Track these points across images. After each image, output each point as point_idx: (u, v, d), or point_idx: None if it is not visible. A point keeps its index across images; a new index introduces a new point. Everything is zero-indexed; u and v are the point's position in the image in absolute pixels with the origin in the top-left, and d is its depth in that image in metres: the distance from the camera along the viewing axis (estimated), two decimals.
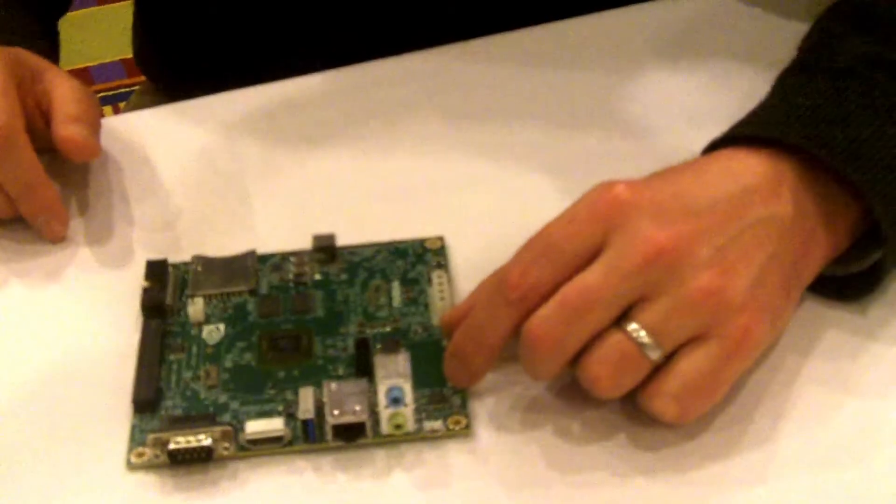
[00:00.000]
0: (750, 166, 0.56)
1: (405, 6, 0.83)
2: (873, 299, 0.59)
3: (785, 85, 0.61)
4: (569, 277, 0.53)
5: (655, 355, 0.52)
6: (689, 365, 0.52)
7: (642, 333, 0.52)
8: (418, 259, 0.62)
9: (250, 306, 0.60)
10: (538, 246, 0.54)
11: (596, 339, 0.52)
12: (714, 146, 0.58)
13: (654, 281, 0.52)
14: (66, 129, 0.66)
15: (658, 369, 0.53)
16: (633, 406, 0.54)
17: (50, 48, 0.81)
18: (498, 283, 0.54)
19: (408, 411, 0.53)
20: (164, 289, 0.61)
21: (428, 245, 0.63)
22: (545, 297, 0.53)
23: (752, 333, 0.53)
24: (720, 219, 0.54)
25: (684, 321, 0.52)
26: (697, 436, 0.54)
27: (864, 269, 0.58)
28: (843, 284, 0.59)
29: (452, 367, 0.56)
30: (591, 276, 0.52)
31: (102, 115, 0.70)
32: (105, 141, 0.69)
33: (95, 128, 0.67)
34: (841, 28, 0.63)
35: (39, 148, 0.65)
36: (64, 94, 0.67)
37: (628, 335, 0.52)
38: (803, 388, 0.56)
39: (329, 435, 0.53)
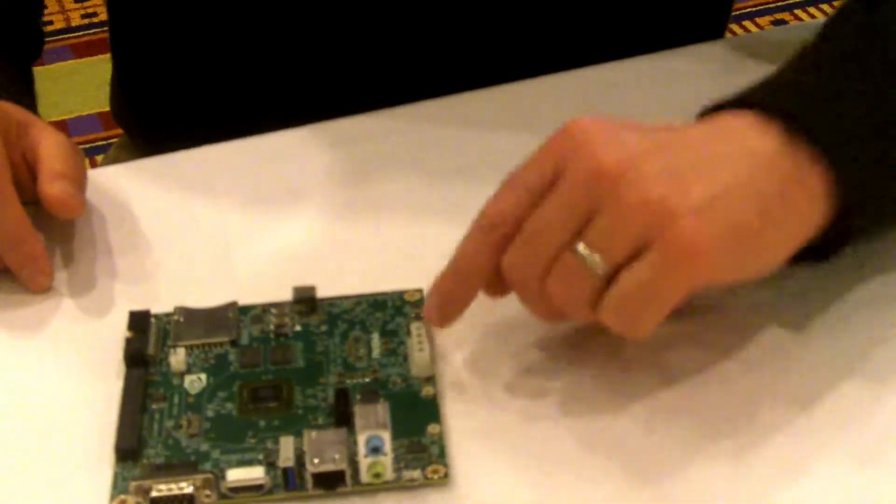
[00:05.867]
0: (738, 115, 0.56)
1: (385, 62, 0.84)
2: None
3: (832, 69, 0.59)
4: (531, 205, 0.55)
5: (600, 269, 0.53)
6: (630, 274, 0.53)
7: (585, 249, 0.53)
8: (397, 311, 0.63)
9: (231, 357, 0.61)
10: (506, 180, 0.57)
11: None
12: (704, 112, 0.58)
13: (597, 198, 0.53)
14: (52, 187, 0.66)
15: None
16: (617, 455, 0.55)
17: (32, 101, 0.82)
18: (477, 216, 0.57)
19: (387, 460, 0.54)
20: (146, 339, 0.61)
21: (407, 297, 0.64)
22: (514, 227, 0.56)
23: (697, 241, 0.51)
24: (682, 145, 0.54)
25: (625, 232, 0.52)
26: (694, 485, 0.54)
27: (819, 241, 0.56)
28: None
29: (430, 301, 0.59)
30: (542, 205, 0.55)
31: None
32: (89, 194, 0.69)
33: (81, 184, 0.68)
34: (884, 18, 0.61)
35: (25, 200, 0.65)
36: (49, 149, 0.67)
37: (574, 252, 0.54)
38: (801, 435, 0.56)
39: (309, 483, 0.54)
